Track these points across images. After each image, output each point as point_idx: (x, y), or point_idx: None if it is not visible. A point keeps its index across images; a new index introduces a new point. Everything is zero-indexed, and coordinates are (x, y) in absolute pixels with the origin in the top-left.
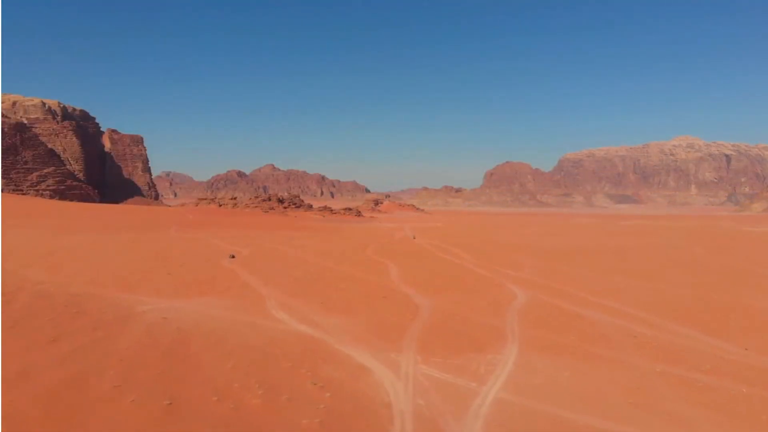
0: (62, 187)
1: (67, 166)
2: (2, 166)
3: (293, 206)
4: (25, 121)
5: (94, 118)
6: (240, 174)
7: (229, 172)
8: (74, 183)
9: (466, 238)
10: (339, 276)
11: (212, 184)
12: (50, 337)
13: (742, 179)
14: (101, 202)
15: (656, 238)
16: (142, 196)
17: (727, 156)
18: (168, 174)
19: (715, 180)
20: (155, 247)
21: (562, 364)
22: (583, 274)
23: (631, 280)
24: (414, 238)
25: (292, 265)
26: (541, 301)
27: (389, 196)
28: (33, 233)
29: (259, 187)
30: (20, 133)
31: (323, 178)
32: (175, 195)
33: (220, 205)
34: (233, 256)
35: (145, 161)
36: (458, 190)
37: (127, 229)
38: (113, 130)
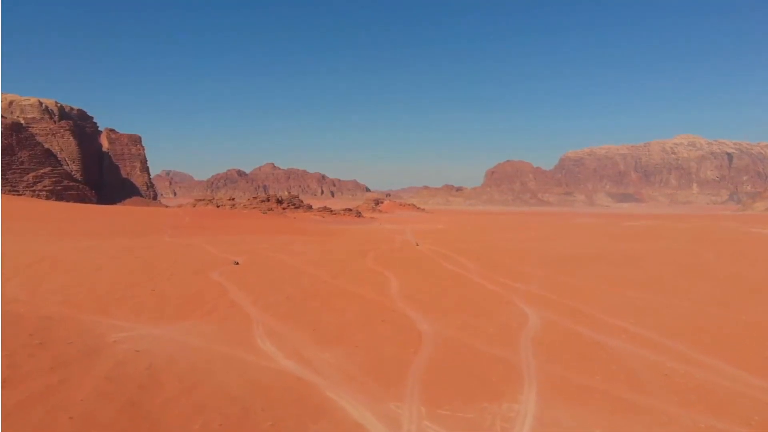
0: (59, 187)
1: (64, 166)
2: None
3: (292, 207)
4: (22, 121)
5: (91, 118)
6: (240, 173)
7: (228, 171)
8: (71, 183)
9: (469, 243)
10: (335, 292)
11: (212, 183)
12: None
13: (744, 178)
14: (99, 202)
15: (664, 242)
16: (141, 195)
17: (728, 154)
18: (168, 173)
19: (717, 178)
20: (145, 255)
21: (590, 417)
22: (595, 287)
23: (648, 296)
24: (417, 245)
25: (286, 279)
26: (555, 325)
27: (390, 195)
28: (22, 239)
29: (259, 186)
30: (16, 132)
31: (323, 177)
32: (175, 194)
33: (218, 206)
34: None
35: (144, 161)
36: (459, 189)
37: (120, 233)
38: (111, 130)
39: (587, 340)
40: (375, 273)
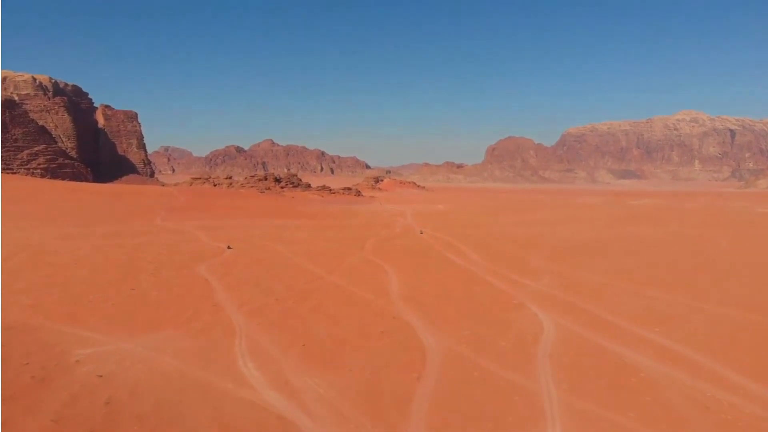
0: (53, 165)
1: (59, 144)
2: None
3: (290, 185)
4: (15, 98)
5: (86, 94)
6: (238, 149)
7: (227, 147)
8: (66, 161)
9: (472, 228)
10: (330, 292)
11: (210, 159)
12: None
13: (746, 155)
14: (94, 180)
15: (673, 226)
16: (137, 173)
17: (731, 131)
18: (167, 149)
19: (719, 155)
20: (131, 245)
21: None
22: (610, 285)
23: (669, 296)
24: (422, 233)
25: (278, 274)
26: (574, 336)
27: (390, 172)
28: (7, 226)
29: (257, 163)
30: (10, 109)
31: (323, 153)
32: (173, 170)
33: (215, 185)
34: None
35: (140, 138)
36: (460, 166)
37: (109, 217)
38: (106, 106)
39: (613, 359)
40: (374, 266)
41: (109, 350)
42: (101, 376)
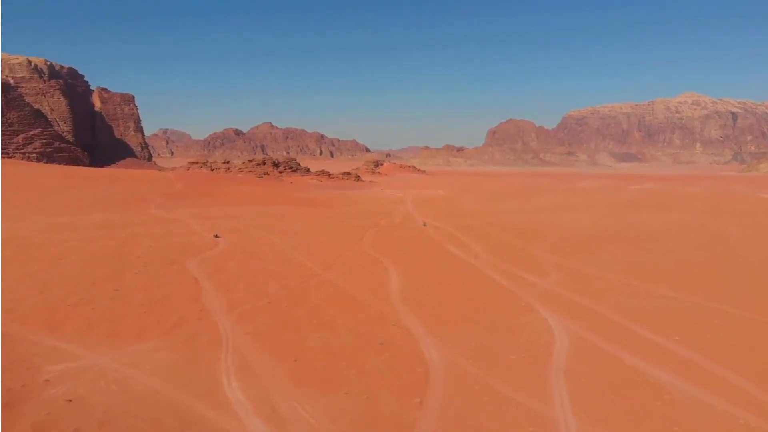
0: (50, 149)
1: (55, 128)
2: None
3: (289, 170)
4: (10, 81)
5: (83, 77)
6: (237, 132)
7: (226, 130)
8: (62, 145)
9: (474, 217)
10: (326, 293)
11: (209, 142)
12: None
13: (748, 138)
14: (91, 164)
15: (678, 213)
16: (135, 156)
17: (733, 114)
18: (165, 132)
19: (721, 138)
20: (122, 236)
21: None
22: (621, 283)
23: (684, 296)
24: (425, 225)
25: (272, 271)
26: (589, 347)
27: (390, 156)
28: None
29: (256, 146)
30: (4, 93)
31: (322, 137)
32: (172, 153)
33: (212, 170)
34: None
35: (137, 121)
36: (460, 150)
37: (103, 204)
38: (103, 89)
39: (633, 376)
40: (372, 262)
41: (83, 366)
42: (71, 400)
